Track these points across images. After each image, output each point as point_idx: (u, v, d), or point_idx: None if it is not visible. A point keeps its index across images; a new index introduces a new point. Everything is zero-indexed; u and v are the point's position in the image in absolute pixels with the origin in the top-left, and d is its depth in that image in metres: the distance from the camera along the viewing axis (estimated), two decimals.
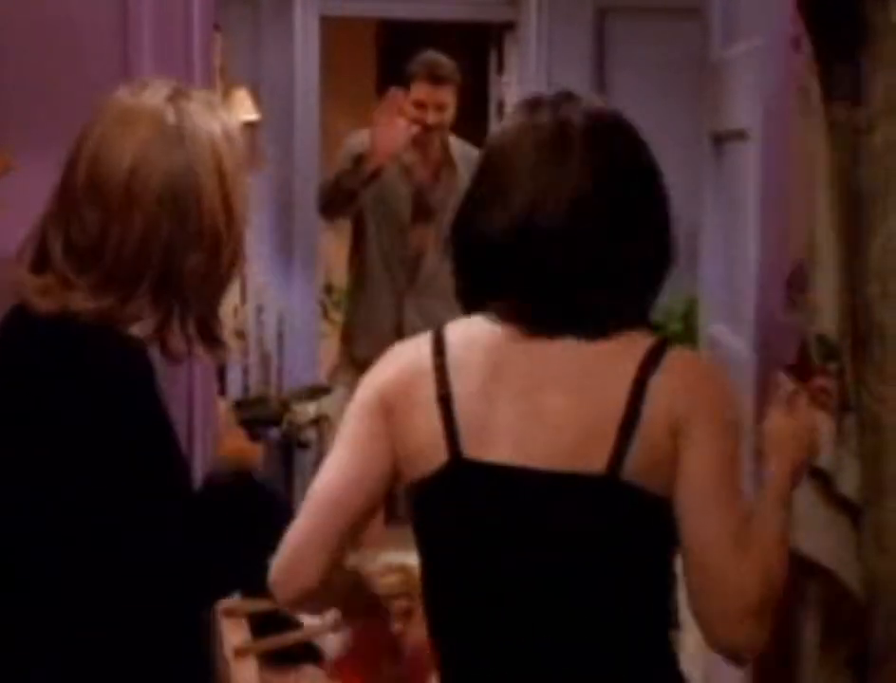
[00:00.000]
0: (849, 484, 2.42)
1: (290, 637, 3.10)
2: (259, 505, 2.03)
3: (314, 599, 1.84)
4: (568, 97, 1.80)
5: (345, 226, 4.66)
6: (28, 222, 1.95)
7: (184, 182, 1.84)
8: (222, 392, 4.94)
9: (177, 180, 1.83)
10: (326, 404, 5.56)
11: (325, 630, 2.56)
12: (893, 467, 2.42)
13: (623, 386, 1.71)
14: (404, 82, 4.38)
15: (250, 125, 5.33)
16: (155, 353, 1.92)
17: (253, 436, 5.16)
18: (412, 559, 1.91)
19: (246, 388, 5.79)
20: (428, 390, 1.77)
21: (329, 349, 5.70)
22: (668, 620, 1.80)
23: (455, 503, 1.77)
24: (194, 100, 1.89)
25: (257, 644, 3.02)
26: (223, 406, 4.50)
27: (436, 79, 4.36)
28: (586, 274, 1.73)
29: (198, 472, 2.35)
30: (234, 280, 1.96)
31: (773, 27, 2.85)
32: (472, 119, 5.50)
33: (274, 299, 5.88)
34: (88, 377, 1.80)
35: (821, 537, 2.42)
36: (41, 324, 1.85)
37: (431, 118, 4.37)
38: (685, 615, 1.79)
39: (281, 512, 1.97)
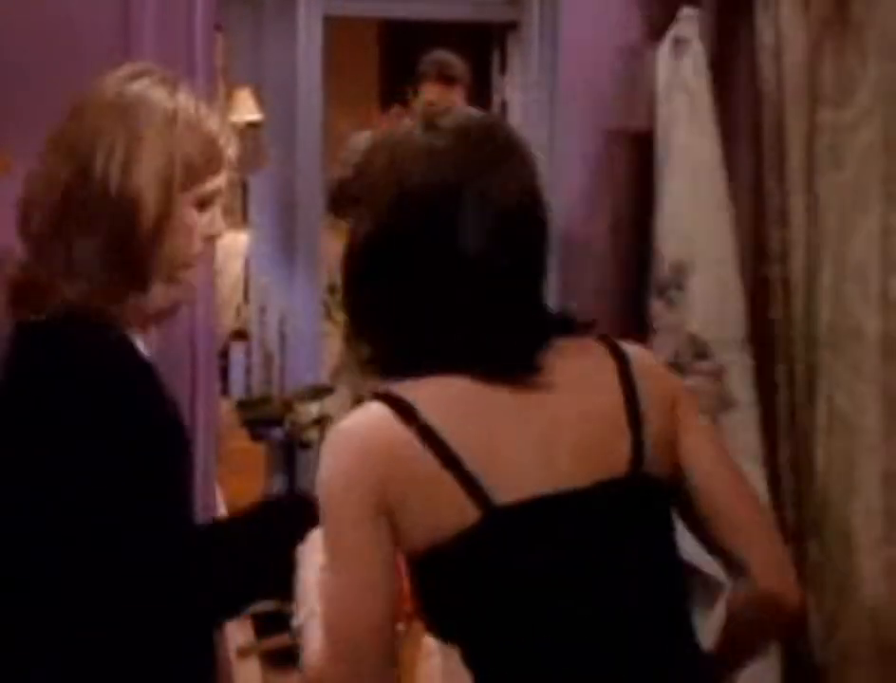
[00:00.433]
0: None
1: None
2: (276, 509, 2.02)
3: None
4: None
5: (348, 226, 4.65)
6: None
7: (89, 137, 1.87)
8: (225, 392, 4.95)
9: (84, 134, 1.87)
10: (328, 404, 5.56)
11: None
12: (863, 469, 2.46)
13: (612, 382, 1.71)
14: (413, 81, 4.34)
15: (252, 125, 5.34)
16: (142, 343, 1.93)
17: (256, 437, 5.16)
18: None
19: (248, 388, 5.78)
20: (423, 461, 1.60)
21: (332, 349, 5.69)
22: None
23: (501, 551, 1.62)
24: (154, 75, 1.94)
25: (260, 644, 3.02)
26: (226, 406, 4.51)
27: (447, 79, 4.33)
28: (534, 293, 1.73)
29: (201, 472, 2.35)
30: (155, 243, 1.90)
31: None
32: None
33: (277, 299, 5.87)
34: (88, 376, 1.80)
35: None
36: (37, 324, 1.85)
37: None
38: None
39: (299, 512, 1.95)
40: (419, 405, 1.62)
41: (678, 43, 2.79)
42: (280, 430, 5.50)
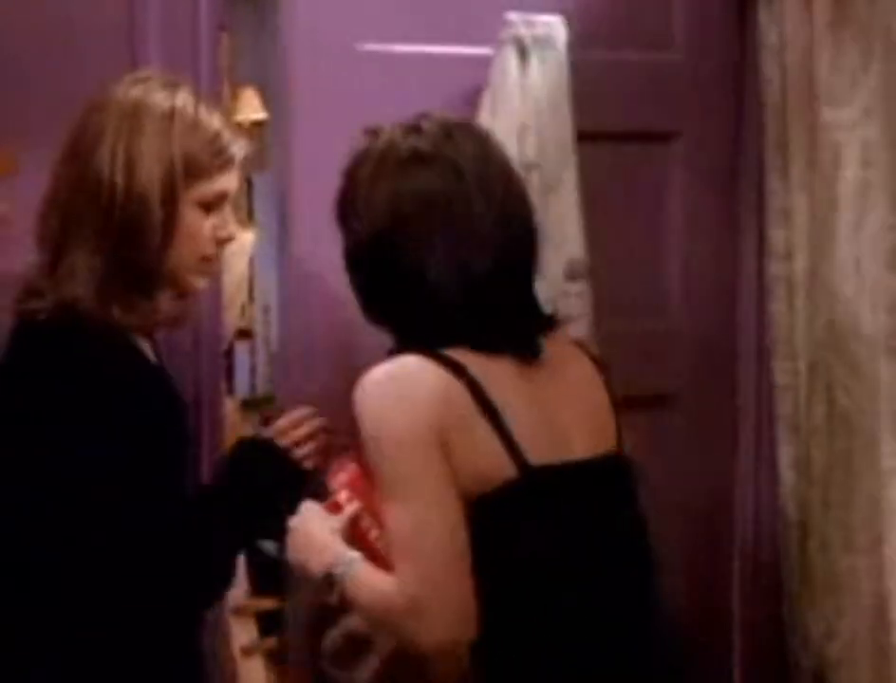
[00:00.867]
0: None
1: None
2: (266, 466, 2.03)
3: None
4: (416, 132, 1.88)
5: None
6: (30, 222, 1.96)
7: (92, 142, 1.89)
8: (230, 391, 4.94)
9: (87, 139, 1.90)
10: None
11: None
12: (863, 469, 2.47)
13: (592, 370, 1.93)
14: None
15: (257, 124, 5.33)
16: (148, 348, 1.94)
17: None
18: None
19: (253, 387, 5.79)
20: (470, 411, 1.73)
21: None
22: None
23: (540, 507, 1.77)
24: (156, 80, 1.98)
25: (264, 643, 3.03)
26: (230, 405, 4.51)
27: None
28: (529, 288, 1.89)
29: (205, 471, 2.35)
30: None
31: None
32: None
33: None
34: (87, 376, 1.80)
35: None
36: (39, 323, 1.86)
37: None
38: None
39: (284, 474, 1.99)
40: (467, 365, 1.75)
41: None
42: None
